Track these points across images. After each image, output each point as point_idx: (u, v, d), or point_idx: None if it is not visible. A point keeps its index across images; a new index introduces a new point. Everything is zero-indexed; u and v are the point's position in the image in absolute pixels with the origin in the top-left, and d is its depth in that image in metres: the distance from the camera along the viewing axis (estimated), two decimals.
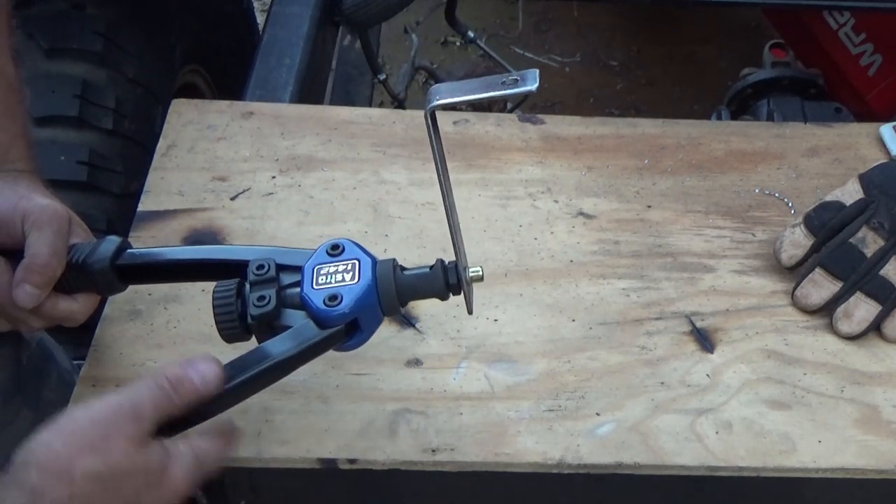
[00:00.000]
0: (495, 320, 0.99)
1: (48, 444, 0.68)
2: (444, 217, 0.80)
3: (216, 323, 0.81)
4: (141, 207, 1.08)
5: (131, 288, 0.99)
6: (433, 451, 0.88)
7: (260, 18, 1.96)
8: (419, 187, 1.12)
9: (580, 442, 0.89)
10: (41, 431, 0.69)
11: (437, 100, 0.72)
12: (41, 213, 0.83)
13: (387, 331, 0.98)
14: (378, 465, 0.88)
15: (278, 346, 0.79)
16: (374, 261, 0.81)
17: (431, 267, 0.82)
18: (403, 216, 1.08)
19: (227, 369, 0.78)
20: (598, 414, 0.92)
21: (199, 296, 0.99)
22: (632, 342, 0.98)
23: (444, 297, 0.82)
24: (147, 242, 1.04)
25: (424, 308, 1.00)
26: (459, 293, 0.81)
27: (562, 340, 0.98)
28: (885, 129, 1.20)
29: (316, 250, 0.83)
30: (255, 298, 0.80)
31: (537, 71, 0.71)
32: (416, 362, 0.95)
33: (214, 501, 0.89)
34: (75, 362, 1.13)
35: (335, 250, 0.82)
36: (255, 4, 2.16)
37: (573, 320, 1.00)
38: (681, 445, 0.89)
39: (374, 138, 1.17)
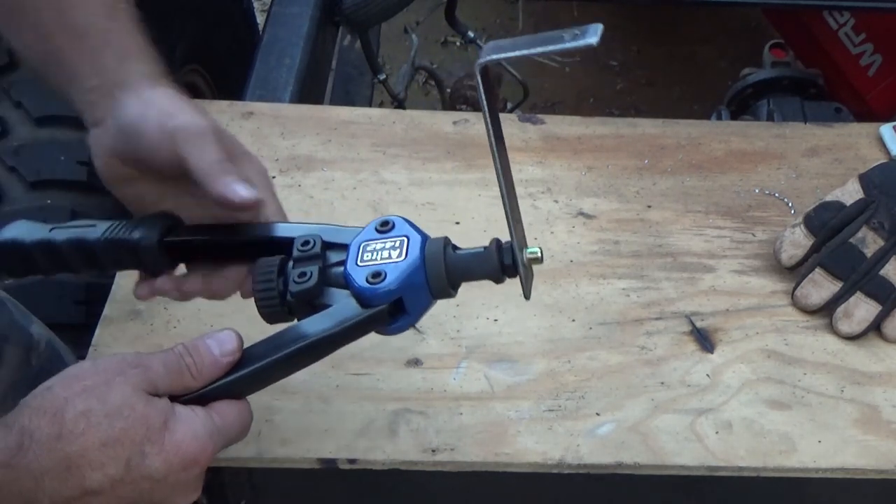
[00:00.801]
0: (495, 320, 0.99)
1: (47, 387, 0.66)
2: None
3: (256, 301, 0.76)
4: None
5: (131, 287, 0.99)
6: (433, 451, 0.88)
7: (260, 18, 1.96)
8: (419, 187, 1.12)
9: (580, 442, 0.89)
10: (51, 379, 0.67)
11: (490, 56, 0.66)
12: (191, 132, 0.77)
13: None
14: (378, 465, 0.88)
15: (316, 324, 0.74)
16: (425, 238, 0.77)
17: (486, 247, 0.76)
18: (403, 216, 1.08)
19: (257, 347, 0.74)
20: (598, 414, 0.92)
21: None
22: (632, 342, 0.98)
23: (498, 280, 0.77)
24: None
25: None
26: (515, 275, 0.76)
27: (562, 340, 0.98)
28: (885, 129, 1.21)
29: (364, 227, 0.78)
30: (296, 275, 0.75)
31: (600, 26, 0.67)
32: (416, 362, 0.95)
33: (214, 501, 0.90)
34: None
35: (384, 227, 0.77)
36: (255, 4, 2.16)
37: (573, 320, 1.00)
38: (681, 445, 0.89)
39: (374, 138, 1.17)
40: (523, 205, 1.11)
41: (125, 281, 1.00)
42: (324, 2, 1.50)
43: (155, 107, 0.77)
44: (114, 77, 0.80)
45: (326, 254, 0.78)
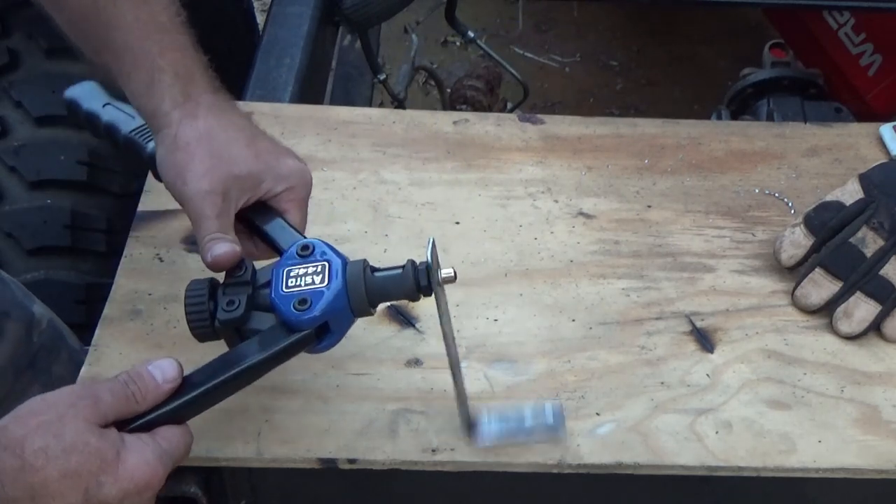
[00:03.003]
0: (495, 320, 0.99)
1: (3, 426, 0.70)
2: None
3: (188, 323, 0.81)
4: (141, 207, 1.08)
5: (131, 287, 1.00)
6: (433, 451, 0.88)
7: (260, 18, 1.96)
8: (419, 187, 1.12)
9: (580, 442, 0.89)
10: (6, 418, 0.71)
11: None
12: (297, 179, 0.87)
13: (387, 331, 0.98)
14: (378, 465, 0.88)
15: (248, 351, 0.79)
16: (345, 262, 0.81)
17: (403, 268, 0.81)
18: (403, 216, 1.08)
19: (195, 375, 0.78)
20: (598, 414, 0.92)
21: None
22: (632, 342, 0.98)
23: (414, 299, 0.82)
24: (147, 242, 1.04)
25: (424, 308, 1.00)
26: (430, 294, 0.80)
27: (562, 340, 0.98)
28: (885, 129, 1.21)
29: (287, 250, 0.83)
30: (224, 303, 0.80)
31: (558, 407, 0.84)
32: (416, 362, 0.95)
33: (214, 501, 0.89)
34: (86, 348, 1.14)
35: (305, 251, 0.82)
36: (256, 4, 2.16)
37: (573, 320, 1.00)
38: (681, 445, 0.89)
39: (374, 138, 1.17)
40: (523, 205, 1.11)
41: (125, 281, 1.00)
42: (324, 2, 1.50)
43: (173, 161, 0.84)
44: (145, 106, 0.86)
45: (256, 275, 0.83)
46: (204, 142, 0.83)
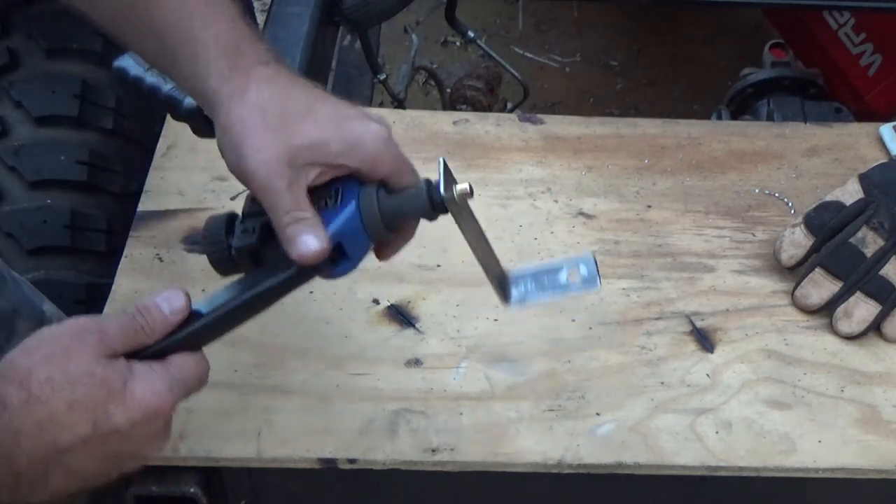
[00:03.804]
0: (495, 320, 0.99)
1: (9, 358, 0.69)
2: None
3: (207, 254, 0.80)
4: (141, 207, 1.08)
5: (131, 287, 1.00)
6: (433, 451, 0.88)
7: (260, 18, 1.96)
8: None
9: (580, 442, 0.89)
10: (13, 351, 0.70)
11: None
12: (373, 144, 0.79)
13: (387, 331, 0.98)
14: (378, 465, 0.88)
15: (258, 278, 0.78)
16: (359, 185, 0.79)
17: (417, 186, 0.79)
18: None
19: (207, 303, 0.77)
20: (598, 414, 0.92)
21: (199, 296, 0.99)
22: (632, 342, 0.98)
23: (430, 217, 0.80)
24: (147, 242, 1.04)
25: (424, 308, 1.00)
26: (446, 212, 0.78)
27: (562, 340, 0.98)
28: (885, 129, 1.21)
29: None
30: (240, 231, 0.79)
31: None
32: (416, 362, 0.95)
33: (214, 501, 0.89)
34: None
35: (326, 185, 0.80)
36: (256, 4, 2.16)
37: (573, 320, 1.00)
38: (681, 445, 0.89)
39: None
40: (523, 205, 1.11)
41: (125, 281, 1.00)
42: (324, 2, 1.50)
43: (230, 139, 0.78)
44: (195, 88, 0.82)
45: None
46: (258, 115, 0.77)
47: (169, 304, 0.75)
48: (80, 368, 0.68)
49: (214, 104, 0.79)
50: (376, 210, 0.78)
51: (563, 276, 0.83)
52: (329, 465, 0.88)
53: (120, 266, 1.02)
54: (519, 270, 0.85)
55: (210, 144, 1.14)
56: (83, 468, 0.69)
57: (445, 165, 0.78)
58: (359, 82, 1.74)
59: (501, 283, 0.85)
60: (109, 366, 0.70)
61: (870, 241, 1.00)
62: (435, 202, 0.78)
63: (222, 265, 0.80)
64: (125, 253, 1.03)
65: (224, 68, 0.78)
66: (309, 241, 0.75)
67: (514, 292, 0.84)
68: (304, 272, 0.77)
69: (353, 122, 0.79)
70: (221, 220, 0.80)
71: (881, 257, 0.99)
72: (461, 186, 0.78)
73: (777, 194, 1.14)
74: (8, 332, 0.94)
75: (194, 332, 0.76)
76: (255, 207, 0.79)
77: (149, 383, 0.71)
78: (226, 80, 0.78)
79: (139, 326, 0.73)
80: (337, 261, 0.78)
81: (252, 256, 0.78)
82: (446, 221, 0.80)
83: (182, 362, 0.74)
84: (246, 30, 0.82)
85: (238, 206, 1.07)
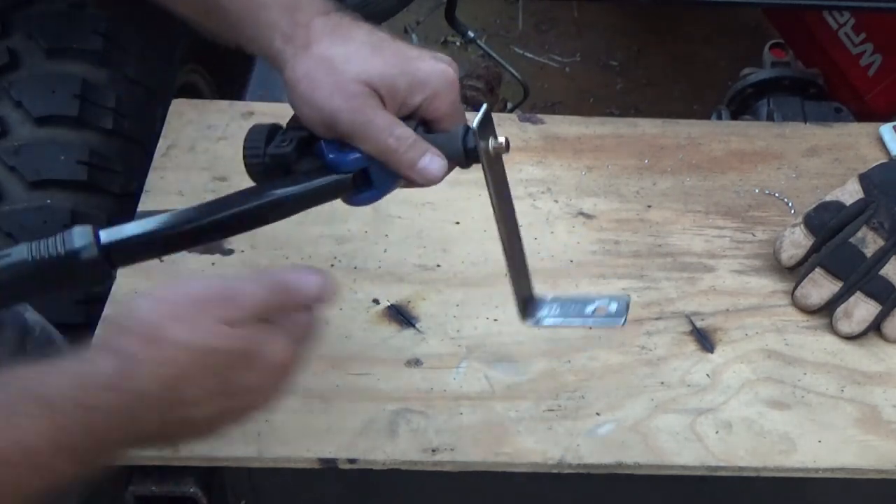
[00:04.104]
0: (495, 320, 0.99)
1: (141, 311, 0.68)
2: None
3: (244, 158, 0.79)
4: (141, 207, 1.08)
5: (131, 287, 0.99)
6: (433, 451, 0.88)
7: None
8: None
9: (580, 442, 0.89)
10: (136, 301, 0.69)
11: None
12: (438, 82, 0.79)
13: (387, 331, 0.98)
14: (378, 465, 0.88)
15: (281, 184, 0.78)
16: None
17: (454, 130, 0.79)
18: (403, 216, 1.08)
19: (221, 202, 0.78)
20: (598, 414, 0.92)
21: None
22: (632, 342, 0.98)
23: (463, 165, 0.79)
24: None
25: (424, 308, 1.00)
26: (479, 161, 0.78)
27: (562, 340, 0.98)
28: (885, 129, 1.21)
29: None
30: (278, 140, 0.79)
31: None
32: (416, 362, 0.95)
33: (214, 501, 0.89)
34: None
35: None
36: None
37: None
38: (681, 445, 0.89)
39: None
40: (523, 205, 1.11)
41: (125, 281, 1.00)
42: None
43: (300, 94, 0.78)
44: (261, 51, 0.81)
45: None
46: (323, 66, 0.78)
47: (305, 283, 0.74)
48: (209, 335, 0.68)
49: (281, 63, 0.80)
50: None
51: (590, 308, 0.83)
52: (329, 465, 0.88)
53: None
54: (553, 296, 0.85)
55: (210, 144, 1.15)
56: (204, 420, 0.69)
57: (487, 114, 0.78)
58: None
59: (518, 268, 0.84)
60: (236, 335, 0.69)
61: (870, 241, 1.00)
62: (469, 149, 0.78)
63: (256, 170, 0.79)
64: None
65: (285, 27, 0.79)
66: (430, 162, 0.77)
67: (538, 314, 0.84)
68: (327, 188, 0.78)
69: (419, 61, 0.79)
70: (265, 129, 0.80)
71: (881, 257, 0.99)
72: (497, 140, 0.77)
73: (777, 194, 1.14)
74: None
75: (207, 227, 0.76)
76: (296, 122, 0.80)
77: (275, 344, 0.71)
78: (288, 38, 0.79)
79: (272, 305, 0.72)
80: (361, 188, 0.79)
81: (285, 166, 0.78)
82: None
83: (297, 318, 0.74)
84: None
85: None
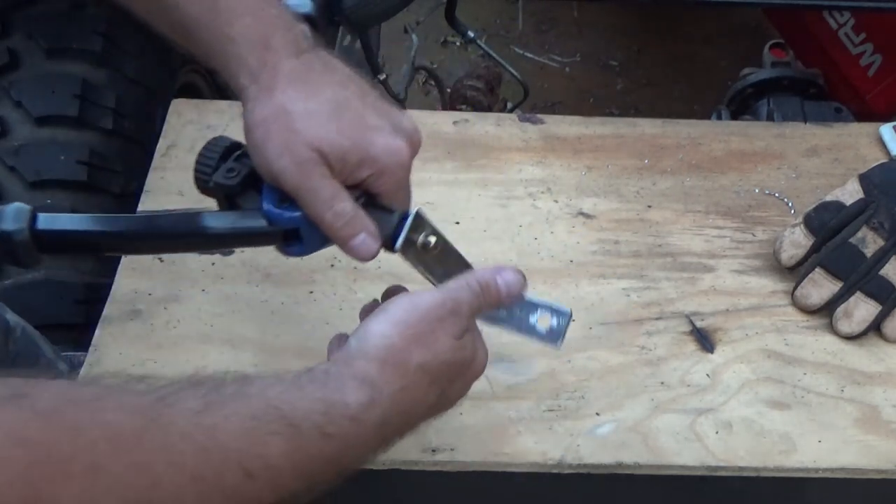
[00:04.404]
0: None
1: (385, 336, 0.70)
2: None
3: (194, 172, 0.80)
4: (141, 207, 1.08)
5: (131, 287, 0.99)
6: (433, 451, 0.88)
7: None
8: (419, 187, 1.11)
9: (580, 442, 0.89)
10: (373, 323, 0.71)
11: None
12: (389, 161, 0.77)
13: None
14: (378, 465, 0.88)
15: (214, 219, 0.79)
16: None
17: (393, 212, 0.79)
18: None
19: (158, 219, 0.80)
20: (598, 414, 0.92)
21: (199, 296, 0.99)
22: (632, 342, 0.98)
23: (388, 248, 0.80)
24: None
25: None
26: (394, 252, 0.79)
27: None
28: (885, 129, 1.20)
29: None
30: (226, 168, 0.79)
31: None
32: None
33: None
34: (65, 354, 1.14)
35: None
36: None
37: (573, 320, 1.00)
38: (681, 445, 0.89)
39: None
40: (523, 205, 1.11)
41: (125, 280, 1.00)
42: (324, 2, 1.50)
43: (252, 140, 0.77)
44: (230, 83, 0.80)
45: None
46: (280, 119, 0.75)
47: (507, 284, 0.77)
48: (444, 352, 0.71)
49: (243, 100, 0.78)
50: None
51: (533, 318, 0.83)
52: None
53: (120, 266, 1.02)
54: None
55: None
56: (413, 426, 0.73)
57: (418, 218, 0.79)
58: None
59: None
60: (462, 348, 0.73)
61: (870, 241, 1.00)
62: (395, 234, 0.79)
63: (201, 187, 0.81)
64: None
65: (252, 65, 0.77)
66: (363, 241, 0.78)
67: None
68: (254, 235, 0.79)
69: (376, 133, 0.77)
70: (220, 147, 0.80)
71: (881, 257, 0.99)
72: (424, 237, 0.79)
73: (777, 194, 1.14)
74: None
75: (130, 239, 0.79)
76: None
77: (481, 353, 0.75)
78: (254, 78, 0.77)
79: (479, 301, 0.76)
80: (291, 242, 0.79)
81: (228, 197, 0.79)
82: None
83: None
84: (276, 18, 0.79)
85: None
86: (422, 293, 0.73)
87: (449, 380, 0.73)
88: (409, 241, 0.79)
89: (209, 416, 0.59)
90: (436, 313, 0.72)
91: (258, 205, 0.78)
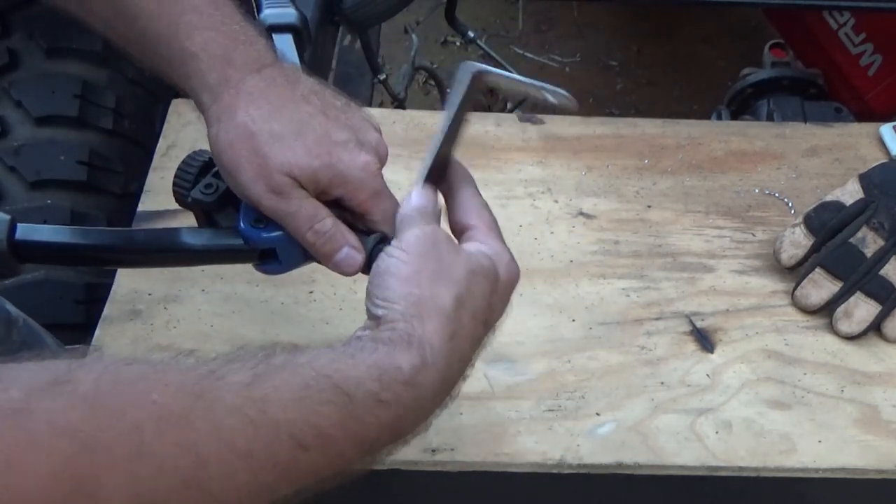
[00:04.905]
0: None
1: (410, 291, 0.68)
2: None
3: (173, 184, 0.81)
4: (141, 207, 1.08)
5: (131, 287, 0.99)
6: (433, 451, 0.88)
7: None
8: None
9: (580, 442, 0.89)
10: (383, 289, 0.69)
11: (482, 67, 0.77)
12: (358, 176, 0.77)
13: None
14: (378, 465, 0.88)
15: (191, 236, 0.80)
16: None
17: (371, 234, 0.78)
18: None
19: (136, 234, 0.81)
20: (598, 414, 0.92)
21: (199, 296, 0.99)
22: (632, 342, 0.98)
23: (363, 271, 0.79)
24: None
25: None
26: (368, 272, 0.77)
27: (562, 340, 0.98)
28: (885, 129, 1.21)
29: None
30: (204, 184, 0.80)
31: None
32: None
33: None
34: (69, 347, 1.14)
35: None
36: None
37: (573, 320, 1.00)
38: (681, 445, 0.89)
39: None
40: (523, 205, 1.11)
41: (125, 280, 1.00)
42: (324, 2, 1.50)
43: (223, 164, 0.77)
44: (193, 98, 0.79)
45: None
46: (247, 141, 0.75)
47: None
48: (465, 273, 0.69)
49: (207, 120, 0.77)
50: None
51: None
52: None
53: None
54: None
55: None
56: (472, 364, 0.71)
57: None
58: (359, 82, 1.74)
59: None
60: (478, 260, 0.70)
61: (870, 241, 1.00)
62: (371, 258, 0.77)
63: (179, 201, 0.81)
64: None
65: (213, 82, 0.76)
66: (346, 256, 0.77)
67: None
68: (229, 253, 0.80)
69: (342, 150, 0.77)
70: (200, 161, 0.81)
71: (881, 257, 0.99)
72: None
73: (777, 194, 1.14)
74: None
75: (114, 253, 0.80)
76: None
77: (503, 258, 0.73)
78: (215, 96, 0.76)
79: (434, 214, 0.76)
80: (266, 261, 0.80)
81: (205, 213, 0.80)
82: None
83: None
84: (239, 31, 0.78)
85: None
86: (393, 249, 0.71)
87: (486, 303, 0.69)
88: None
89: (258, 389, 0.58)
90: (479, 269, 0.70)
91: (236, 222, 0.78)
